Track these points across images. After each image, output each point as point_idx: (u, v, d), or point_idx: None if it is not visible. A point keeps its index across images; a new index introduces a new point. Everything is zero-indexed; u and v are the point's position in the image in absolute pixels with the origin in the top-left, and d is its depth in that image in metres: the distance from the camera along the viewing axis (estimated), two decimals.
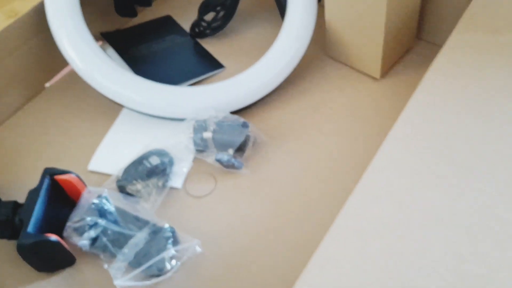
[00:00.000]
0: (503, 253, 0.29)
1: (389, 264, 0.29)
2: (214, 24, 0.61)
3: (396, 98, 0.52)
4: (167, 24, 0.64)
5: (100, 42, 0.62)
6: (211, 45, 0.61)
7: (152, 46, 0.61)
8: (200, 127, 0.47)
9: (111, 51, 0.60)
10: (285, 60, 0.52)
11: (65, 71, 0.59)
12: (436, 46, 0.57)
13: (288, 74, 0.52)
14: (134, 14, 0.56)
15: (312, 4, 0.54)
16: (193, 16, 0.62)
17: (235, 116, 0.49)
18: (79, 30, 0.51)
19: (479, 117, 0.37)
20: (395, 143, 0.36)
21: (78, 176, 0.43)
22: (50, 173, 0.42)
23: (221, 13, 0.61)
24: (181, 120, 0.50)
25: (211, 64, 0.59)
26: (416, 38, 0.59)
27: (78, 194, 0.43)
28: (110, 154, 0.49)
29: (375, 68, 0.53)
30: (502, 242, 0.29)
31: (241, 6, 0.62)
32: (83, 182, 0.43)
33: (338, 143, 0.49)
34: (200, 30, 0.61)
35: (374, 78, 0.54)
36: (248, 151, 0.48)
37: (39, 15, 0.54)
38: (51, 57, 0.56)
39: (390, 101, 0.52)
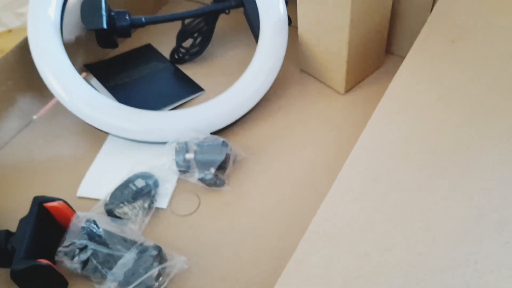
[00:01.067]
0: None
1: (358, 264, 0.31)
2: (192, 50, 0.64)
3: (365, 109, 0.55)
4: (148, 52, 0.67)
5: (84, 74, 0.65)
6: (191, 69, 0.64)
7: (133, 74, 0.64)
8: (182, 149, 0.50)
9: (94, 81, 0.63)
10: (260, 81, 0.54)
11: (51, 103, 0.62)
12: None
13: (263, 94, 0.55)
14: (115, 45, 0.59)
15: (283, 27, 0.56)
16: (172, 43, 0.65)
17: (215, 136, 0.51)
18: (63, 65, 0.53)
19: (439, 121, 0.39)
20: (362, 151, 0.38)
21: (66, 203, 0.45)
22: (39, 201, 0.44)
23: (199, 39, 0.63)
24: (164, 143, 0.52)
25: (191, 88, 0.61)
26: (389, 53, 0.62)
27: (67, 220, 0.45)
28: (98, 180, 0.51)
29: (340, 83, 0.56)
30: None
31: (217, 30, 0.65)
32: (72, 208, 0.45)
33: (312, 155, 0.51)
34: (180, 56, 0.64)
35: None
36: (229, 168, 0.50)
37: (23, 51, 0.56)
38: (37, 90, 0.58)
39: (359, 112, 0.55)
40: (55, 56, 0.53)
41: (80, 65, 0.65)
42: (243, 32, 0.67)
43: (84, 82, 0.53)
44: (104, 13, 0.54)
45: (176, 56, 0.64)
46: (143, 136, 0.52)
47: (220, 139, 0.50)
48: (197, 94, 0.60)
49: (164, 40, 0.68)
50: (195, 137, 0.51)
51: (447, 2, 0.51)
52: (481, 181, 0.34)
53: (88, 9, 0.54)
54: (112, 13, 0.56)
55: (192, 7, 0.76)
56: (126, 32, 0.57)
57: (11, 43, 0.76)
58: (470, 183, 0.34)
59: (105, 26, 0.54)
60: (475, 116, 0.39)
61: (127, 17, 0.57)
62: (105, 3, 0.55)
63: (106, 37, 0.56)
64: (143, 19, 0.58)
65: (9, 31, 0.77)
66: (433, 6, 0.54)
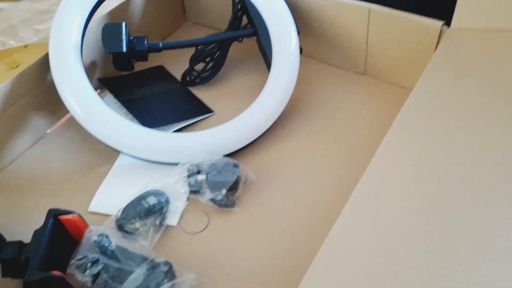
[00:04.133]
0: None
1: (370, 286, 0.32)
2: (203, 74, 0.66)
3: (373, 137, 0.57)
4: (160, 72, 0.69)
5: (99, 90, 0.66)
6: (201, 92, 0.66)
7: (145, 91, 0.65)
8: (194, 170, 0.51)
9: (108, 95, 0.65)
10: (272, 107, 0.56)
11: (65, 118, 0.63)
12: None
13: (275, 119, 0.57)
14: (131, 68, 0.61)
15: (295, 57, 0.59)
16: (183, 66, 0.67)
17: (227, 158, 0.52)
18: (80, 82, 0.55)
19: (445, 153, 0.41)
20: (373, 177, 0.40)
21: (80, 216, 0.46)
22: (54, 213, 0.45)
23: (210, 64, 0.66)
24: (177, 163, 0.53)
25: (200, 109, 0.63)
26: (392, 84, 0.65)
27: (80, 233, 0.45)
28: (109, 196, 0.52)
29: None
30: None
31: (229, 56, 0.67)
32: (85, 222, 0.46)
33: (322, 178, 0.53)
34: (191, 79, 0.66)
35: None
36: (239, 190, 0.51)
37: (43, 66, 0.58)
38: (52, 105, 0.60)
39: (368, 139, 0.57)
40: (73, 73, 0.55)
41: (95, 79, 0.66)
42: (254, 59, 0.69)
43: (99, 100, 0.54)
44: (124, 37, 0.56)
45: (188, 79, 0.66)
46: (156, 157, 0.53)
47: (231, 161, 0.52)
48: (206, 115, 0.62)
49: (176, 62, 0.70)
50: (208, 159, 0.52)
51: (451, 40, 0.54)
52: (489, 210, 0.36)
53: (109, 33, 0.56)
54: (132, 38, 0.59)
55: (204, 31, 0.79)
56: (143, 56, 0.59)
57: (27, 57, 0.78)
58: (479, 211, 0.36)
59: (124, 50, 0.56)
60: (481, 149, 0.41)
61: (145, 42, 0.59)
62: (126, 27, 0.57)
63: (124, 60, 0.58)
64: (160, 45, 0.61)
65: (25, 46, 0.79)
66: (438, 42, 0.56)
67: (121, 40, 0.56)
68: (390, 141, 0.43)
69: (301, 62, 0.60)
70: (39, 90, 0.58)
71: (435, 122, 0.44)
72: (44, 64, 0.58)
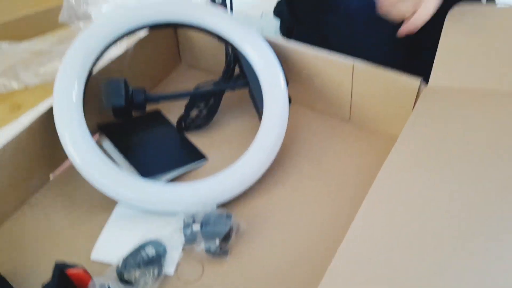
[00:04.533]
0: None
1: None
2: (197, 121, 0.69)
3: (359, 187, 0.61)
4: (156, 118, 0.73)
5: (97, 135, 0.70)
6: (196, 136, 0.70)
7: (143, 137, 0.69)
8: (189, 221, 0.55)
9: (107, 141, 0.68)
10: (263, 157, 0.60)
11: (68, 163, 0.66)
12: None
13: (265, 170, 0.61)
14: (130, 117, 0.65)
15: (285, 107, 0.63)
16: (178, 110, 0.71)
17: (220, 210, 0.56)
18: (81, 134, 0.58)
19: (430, 202, 0.45)
20: (363, 224, 0.45)
21: (85, 269, 0.49)
22: (61, 267, 0.48)
23: (204, 112, 0.69)
24: (173, 212, 0.57)
25: (195, 156, 0.67)
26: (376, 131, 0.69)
27: (85, 285, 0.49)
28: (110, 245, 0.56)
29: None
30: None
31: (223, 103, 0.71)
32: (89, 274, 0.50)
33: (311, 228, 0.57)
34: (186, 125, 0.70)
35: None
36: (232, 239, 0.55)
37: (46, 118, 0.61)
38: (55, 152, 0.63)
39: (353, 190, 0.61)
40: (75, 127, 0.58)
41: (94, 124, 0.70)
42: (246, 105, 0.73)
43: (98, 150, 0.58)
44: (123, 93, 0.60)
45: (183, 125, 0.70)
46: (152, 207, 0.57)
47: (224, 212, 0.56)
48: (200, 162, 0.66)
49: (172, 106, 0.74)
50: (202, 210, 0.56)
51: (429, 97, 0.58)
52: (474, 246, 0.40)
53: (109, 89, 0.60)
54: (130, 91, 0.62)
55: (198, 73, 0.83)
56: (141, 108, 0.63)
57: (28, 99, 0.81)
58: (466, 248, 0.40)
59: (123, 104, 0.60)
60: (464, 198, 0.45)
61: (143, 95, 0.63)
62: (125, 83, 0.61)
63: (123, 112, 0.62)
64: (158, 96, 0.64)
65: (26, 88, 0.83)
66: (416, 97, 0.61)
67: (120, 96, 0.60)
68: (375, 192, 0.48)
69: (290, 111, 0.64)
70: (43, 140, 0.62)
71: (416, 175, 0.49)
72: (48, 116, 0.61)
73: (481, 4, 0.60)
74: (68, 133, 0.58)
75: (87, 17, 0.94)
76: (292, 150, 0.67)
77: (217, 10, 0.67)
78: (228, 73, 0.69)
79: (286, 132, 0.63)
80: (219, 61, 0.77)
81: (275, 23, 0.98)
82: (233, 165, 0.60)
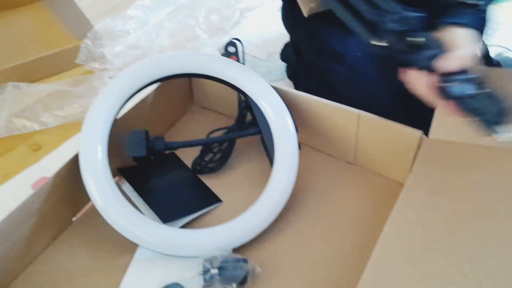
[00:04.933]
0: None
1: None
2: (211, 165, 0.74)
3: (363, 225, 0.65)
4: (172, 160, 0.77)
5: (117, 178, 0.74)
6: (210, 179, 0.74)
7: (161, 181, 0.73)
8: (208, 265, 0.59)
9: (126, 185, 0.72)
10: (274, 203, 0.64)
11: (89, 205, 0.70)
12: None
13: (278, 214, 0.65)
14: (150, 162, 0.69)
15: (295, 154, 0.67)
16: (193, 153, 0.75)
17: (237, 255, 0.60)
18: (105, 178, 0.62)
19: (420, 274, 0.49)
20: (375, 268, 0.48)
21: None
22: None
23: (218, 155, 0.74)
24: (192, 256, 0.61)
25: (210, 199, 0.71)
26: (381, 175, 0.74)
27: None
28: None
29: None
30: None
31: (237, 147, 0.75)
32: None
33: (324, 270, 0.60)
34: (201, 167, 0.74)
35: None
36: (248, 283, 0.59)
37: (71, 167, 0.65)
38: (79, 195, 0.67)
39: (360, 228, 0.65)
40: (100, 172, 0.62)
41: (114, 166, 0.74)
42: (258, 150, 0.77)
43: (120, 195, 0.62)
44: (145, 143, 0.64)
45: (198, 167, 0.74)
46: (171, 251, 0.61)
47: (240, 257, 0.59)
48: (215, 205, 0.70)
49: (187, 150, 0.78)
50: (220, 254, 0.60)
51: (429, 149, 0.63)
52: None
53: (132, 139, 0.64)
54: (151, 139, 0.67)
55: (210, 115, 0.87)
56: (161, 155, 0.68)
57: (48, 139, 0.86)
58: None
59: (145, 154, 0.64)
60: (449, 272, 0.49)
61: (163, 143, 0.67)
62: (146, 133, 0.66)
63: (143, 159, 0.66)
64: (176, 144, 0.69)
65: (45, 128, 0.87)
66: (418, 148, 0.65)
67: (142, 146, 0.64)
68: (390, 233, 0.52)
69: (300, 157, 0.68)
70: (67, 187, 0.65)
71: (411, 243, 0.53)
72: (73, 165, 0.64)
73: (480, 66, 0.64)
74: (93, 181, 0.61)
75: (102, 57, 0.99)
76: (302, 191, 0.71)
77: (231, 62, 0.71)
78: (241, 120, 0.73)
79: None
80: (230, 104, 0.82)
81: (281, 64, 1.03)
82: (247, 211, 0.64)
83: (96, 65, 0.96)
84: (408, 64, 0.55)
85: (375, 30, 0.52)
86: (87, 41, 0.97)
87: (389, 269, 0.49)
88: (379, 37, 0.52)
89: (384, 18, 0.50)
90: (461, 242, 0.51)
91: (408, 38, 0.52)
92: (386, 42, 0.52)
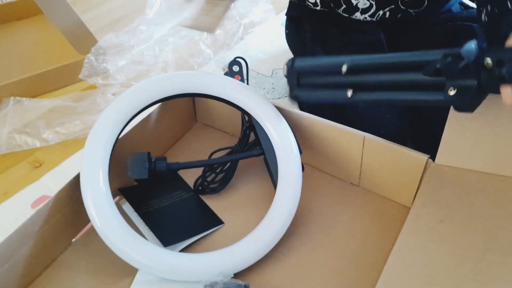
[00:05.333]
0: None
1: None
2: (213, 186, 0.73)
3: (366, 251, 0.64)
4: (174, 180, 0.76)
5: (118, 198, 0.73)
6: (212, 200, 0.73)
7: (162, 201, 0.72)
8: None
9: (127, 205, 0.71)
10: (278, 227, 0.63)
11: (89, 225, 0.69)
12: None
13: (281, 237, 0.64)
14: (151, 183, 0.68)
15: (298, 175, 0.66)
16: (195, 172, 0.74)
17: (238, 280, 0.59)
18: (105, 200, 0.61)
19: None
20: None
21: None
22: None
23: (220, 176, 0.73)
24: (192, 282, 0.60)
25: (212, 221, 0.70)
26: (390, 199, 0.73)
27: None
28: None
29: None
30: None
31: (239, 167, 0.74)
32: None
33: None
34: (203, 188, 0.73)
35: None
36: None
37: (72, 188, 0.64)
38: (79, 215, 0.66)
39: (364, 253, 0.64)
40: (101, 198, 0.61)
41: (115, 185, 0.73)
42: (261, 171, 0.76)
43: (121, 218, 0.61)
44: (147, 165, 0.64)
45: (200, 188, 0.73)
46: (171, 276, 0.60)
47: (242, 283, 0.58)
48: (217, 227, 0.69)
49: (189, 170, 0.77)
50: (220, 280, 0.59)
51: (435, 174, 0.62)
52: None
53: (135, 162, 0.63)
54: (153, 160, 0.66)
55: (213, 132, 0.87)
56: (163, 176, 0.67)
57: (49, 156, 0.85)
58: None
59: (147, 176, 0.63)
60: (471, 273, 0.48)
61: (165, 164, 0.66)
62: (149, 155, 0.65)
63: (146, 180, 0.65)
64: (178, 165, 0.68)
65: (47, 144, 0.86)
66: (423, 173, 0.64)
67: (144, 168, 0.63)
68: (396, 259, 0.51)
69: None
70: (68, 208, 0.65)
71: (418, 273, 0.52)
72: (73, 185, 0.64)
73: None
74: (93, 204, 0.61)
75: (105, 72, 0.99)
76: (304, 213, 0.70)
77: (234, 82, 0.71)
78: (244, 140, 0.72)
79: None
80: (233, 123, 0.82)
81: (286, 80, 1.03)
82: (249, 235, 0.63)
83: (100, 80, 0.96)
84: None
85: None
86: (91, 57, 0.97)
87: None
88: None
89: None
90: (466, 275, 0.50)
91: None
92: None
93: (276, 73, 1.07)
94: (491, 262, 0.50)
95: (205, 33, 1.13)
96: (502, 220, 0.55)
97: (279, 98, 0.97)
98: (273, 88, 1.01)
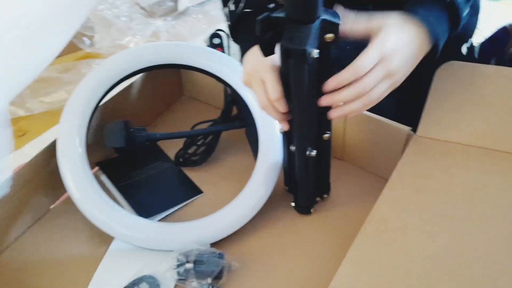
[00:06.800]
0: None
1: None
2: (195, 158, 0.72)
3: (347, 221, 0.63)
4: (154, 151, 0.76)
5: (95, 169, 0.72)
6: (193, 171, 0.72)
7: (140, 173, 0.72)
8: (183, 259, 0.57)
9: (105, 178, 0.71)
10: (257, 197, 0.63)
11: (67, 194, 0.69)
12: None
13: (259, 209, 0.63)
14: (131, 154, 0.67)
15: (279, 149, 0.65)
16: (177, 144, 0.74)
17: (212, 249, 0.59)
18: (82, 168, 0.61)
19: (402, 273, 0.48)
20: (353, 263, 0.48)
21: None
22: None
23: (202, 148, 0.72)
24: (168, 250, 0.59)
25: (191, 191, 0.69)
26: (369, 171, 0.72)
27: None
28: (106, 279, 0.58)
29: None
30: None
31: (222, 139, 0.74)
32: None
33: (302, 265, 0.59)
34: (184, 160, 0.73)
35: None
36: (224, 278, 0.57)
37: (48, 154, 0.64)
38: (56, 183, 0.66)
39: (345, 224, 0.63)
40: (78, 165, 0.61)
41: (96, 157, 0.73)
42: (243, 142, 0.75)
43: (97, 186, 0.61)
44: (124, 133, 0.63)
45: (181, 160, 0.73)
46: (148, 245, 0.60)
47: (216, 251, 0.58)
48: (196, 197, 0.68)
49: (169, 142, 0.76)
50: (196, 248, 0.58)
51: (416, 145, 0.61)
52: None
53: (112, 130, 0.63)
54: (131, 129, 0.65)
55: (199, 105, 0.86)
56: (142, 146, 0.66)
57: (33, 125, 0.84)
58: None
59: (124, 145, 0.63)
60: (431, 272, 0.47)
61: (144, 134, 0.66)
62: (126, 123, 0.64)
63: (124, 150, 0.65)
64: (157, 135, 0.67)
65: (31, 114, 0.86)
66: (405, 145, 0.63)
67: (121, 136, 0.63)
68: (367, 231, 0.51)
69: None
70: (45, 173, 0.64)
71: (392, 240, 0.51)
72: (51, 151, 0.63)
73: (469, 64, 0.62)
74: (69, 171, 0.60)
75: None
76: (284, 187, 0.69)
77: (216, 53, 0.69)
78: (226, 113, 0.71)
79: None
80: (219, 95, 0.81)
81: None
82: (226, 207, 0.62)
83: (88, 48, 0.95)
84: None
85: None
86: None
87: (362, 268, 0.48)
88: None
89: None
90: (439, 244, 0.49)
91: None
92: None
93: None
94: (467, 232, 0.50)
95: (197, 6, 1.11)
96: (481, 190, 0.54)
97: None
98: None
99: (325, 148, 0.57)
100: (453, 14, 0.54)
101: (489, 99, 0.59)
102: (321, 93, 0.49)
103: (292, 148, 0.56)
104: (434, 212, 0.52)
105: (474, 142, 0.59)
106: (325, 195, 0.65)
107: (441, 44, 0.54)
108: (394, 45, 0.49)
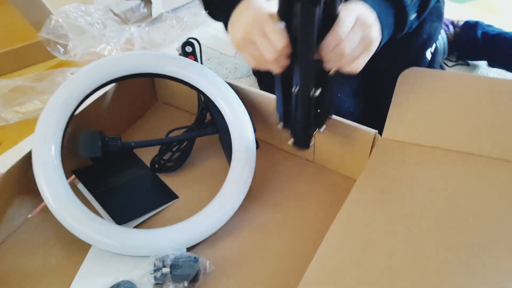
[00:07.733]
0: None
1: None
2: (170, 164, 0.74)
3: (317, 222, 0.66)
4: (130, 158, 0.77)
5: (72, 177, 0.73)
6: (170, 177, 0.74)
7: (116, 180, 0.73)
8: (159, 264, 0.59)
9: (81, 186, 0.72)
10: (231, 202, 0.65)
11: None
12: None
13: (234, 213, 0.65)
14: (106, 162, 0.69)
15: (252, 152, 0.67)
16: (151, 151, 0.75)
17: (188, 253, 0.60)
18: (57, 177, 0.62)
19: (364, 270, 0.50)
20: (321, 262, 0.50)
21: None
22: None
23: (177, 155, 0.74)
24: (145, 256, 0.61)
25: (166, 196, 0.71)
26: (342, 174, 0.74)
27: None
28: (84, 286, 0.59)
29: None
30: None
31: (196, 145, 0.75)
32: None
33: (275, 266, 0.61)
34: (159, 166, 0.74)
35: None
36: (200, 281, 0.59)
37: (25, 165, 0.64)
38: (33, 192, 0.66)
39: (314, 224, 0.66)
40: (53, 176, 0.61)
41: (71, 165, 0.73)
42: (217, 148, 0.77)
43: (73, 195, 0.62)
44: (100, 143, 0.64)
45: (156, 166, 0.74)
46: (125, 251, 0.61)
47: (192, 255, 0.60)
48: (171, 202, 0.70)
49: (147, 148, 0.78)
50: (172, 253, 0.60)
51: (382, 147, 0.64)
52: None
53: (86, 140, 0.64)
54: (106, 139, 0.66)
55: (173, 111, 0.87)
56: (117, 155, 0.67)
57: (8, 134, 0.85)
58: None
59: (100, 154, 0.64)
60: (392, 268, 0.50)
61: (119, 143, 0.67)
62: (101, 134, 0.65)
63: (99, 159, 0.66)
64: (132, 144, 0.69)
65: (7, 123, 0.86)
66: (372, 146, 0.66)
67: (97, 147, 0.64)
68: (336, 229, 0.53)
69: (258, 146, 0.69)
70: (22, 183, 0.65)
71: (358, 238, 0.54)
72: (27, 161, 0.64)
73: (429, 69, 0.65)
74: (45, 180, 0.61)
75: (65, 41, 0.97)
76: (259, 189, 0.71)
77: (188, 62, 0.71)
78: (200, 119, 0.73)
79: (254, 172, 0.68)
80: (192, 101, 0.82)
81: None
82: (201, 212, 0.64)
83: (61, 56, 0.95)
84: None
85: None
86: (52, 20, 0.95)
87: (330, 267, 0.50)
88: None
89: None
90: (401, 242, 0.52)
91: None
92: None
93: (239, 54, 1.07)
94: (426, 230, 0.53)
95: (171, 12, 1.12)
96: (441, 190, 0.57)
97: (240, 78, 0.98)
98: (235, 68, 1.02)
99: (329, 85, 0.57)
100: (400, 13, 0.56)
101: (447, 102, 0.63)
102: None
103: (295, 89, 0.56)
104: (395, 211, 0.55)
105: (435, 143, 0.62)
106: (329, 116, 0.63)
107: (385, 35, 0.56)
108: (360, 9, 0.51)
